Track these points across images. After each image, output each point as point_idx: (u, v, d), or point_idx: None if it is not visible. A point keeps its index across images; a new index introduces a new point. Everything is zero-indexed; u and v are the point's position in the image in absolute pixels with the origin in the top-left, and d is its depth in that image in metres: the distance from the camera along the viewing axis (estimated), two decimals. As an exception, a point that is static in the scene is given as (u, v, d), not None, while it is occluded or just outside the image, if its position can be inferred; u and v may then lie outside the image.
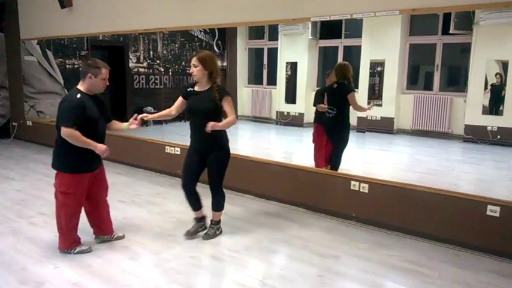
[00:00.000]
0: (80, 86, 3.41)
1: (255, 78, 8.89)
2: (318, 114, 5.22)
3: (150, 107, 7.42)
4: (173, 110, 3.90)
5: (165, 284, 3.14)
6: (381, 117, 6.15)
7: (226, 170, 3.82)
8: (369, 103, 5.68)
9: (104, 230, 3.82)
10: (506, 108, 5.54)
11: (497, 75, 5.58)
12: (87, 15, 7.08)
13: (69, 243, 3.56)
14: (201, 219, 3.99)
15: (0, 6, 8.74)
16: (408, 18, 6.19)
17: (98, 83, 3.41)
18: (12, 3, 8.51)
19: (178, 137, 6.19)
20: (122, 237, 3.89)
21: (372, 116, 5.95)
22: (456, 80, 6.71)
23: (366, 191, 4.35)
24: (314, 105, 5.19)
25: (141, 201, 5.02)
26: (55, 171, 3.47)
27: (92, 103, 3.41)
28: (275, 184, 5.06)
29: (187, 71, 9.24)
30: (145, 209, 4.74)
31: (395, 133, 6.29)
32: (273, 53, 8.13)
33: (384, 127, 6.06)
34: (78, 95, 3.34)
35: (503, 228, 3.62)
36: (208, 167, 3.78)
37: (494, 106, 5.64)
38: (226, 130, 3.74)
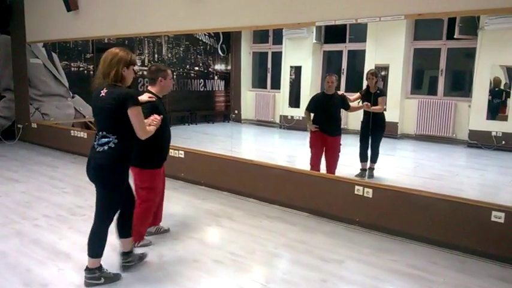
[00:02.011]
0: (152, 89, 3.73)
1: (259, 82, 8.90)
2: (317, 119, 5.24)
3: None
4: None
5: (168, 287, 3.14)
6: (385, 122, 6.15)
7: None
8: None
9: (159, 218, 4.08)
10: (511, 114, 5.53)
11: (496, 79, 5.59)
12: (93, 18, 7.12)
13: (137, 236, 3.65)
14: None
15: (7, 9, 8.80)
16: (413, 22, 6.18)
17: (168, 84, 3.80)
18: (19, 6, 8.57)
19: (181, 140, 6.21)
20: (167, 231, 4.14)
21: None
22: (461, 85, 6.69)
23: (370, 196, 4.34)
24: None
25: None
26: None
27: (161, 103, 3.71)
28: (278, 188, 5.06)
29: (192, 75, 9.28)
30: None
31: (399, 138, 6.27)
32: (277, 57, 8.14)
33: (388, 132, 6.04)
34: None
35: (507, 234, 3.60)
36: None
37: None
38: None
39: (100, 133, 3.03)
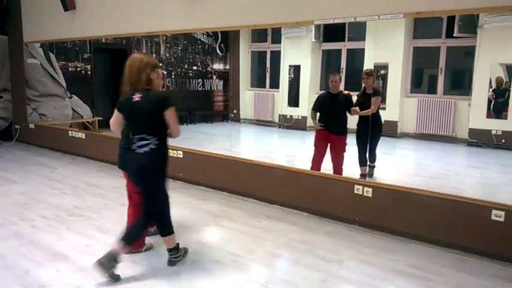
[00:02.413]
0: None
1: (258, 81, 8.88)
2: (322, 119, 5.19)
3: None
4: None
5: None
6: (385, 121, 6.11)
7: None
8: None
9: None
10: (511, 112, 5.52)
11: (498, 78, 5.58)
12: (90, 18, 7.09)
13: (141, 242, 3.62)
14: None
15: (4, 9, 8.76)
16: (412, 21, 6.16)
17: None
18: (16, 6, 8.54)
19: (179, 140, 6.17)
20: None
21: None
22: (460, 84, 6.67)
23: (370, 195, 4.32)
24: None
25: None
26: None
27: None
28: (278, 188, 5.04)
29: (190, 74, 9.26)
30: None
31: (399, 137, 6.26)
32: (276, 56, 8.11)
33: (388, 131, 6.03)
34: None
35: (508, 233, 3.59)
36: None
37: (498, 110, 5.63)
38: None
39: (137, 136, 3.19)
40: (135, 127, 3.21)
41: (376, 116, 5.12)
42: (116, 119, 3.29)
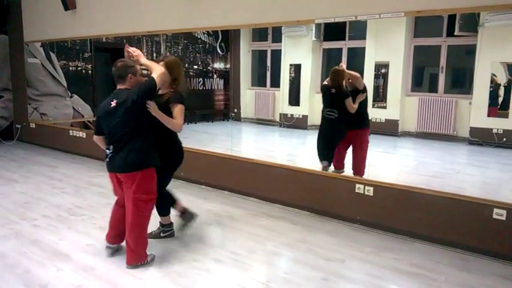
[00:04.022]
0: (121, 87, 3.36)
1: (259, 80, 8.86)
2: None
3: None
4: None
5: (168, 287, 3.12)
6: (386, 120, 6.11)
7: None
8: (373, 105, 5.65)
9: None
10: (512, 111, 5.51)
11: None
12: (91, 17, 7.09)
13: (146, 253, 3.47)
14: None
15: (4, 9, 8.76)
16: (413, 19, 6.15)
17: (139, 80, 3.41)
18: (16, 5, 8.54)
19: (180, 139, 6.16)
20: None
21: (376, 119, 5.92)
22: (461, 82, 6.65)
23: (371, 194, 4.32)
24: None
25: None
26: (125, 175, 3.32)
27: None
28: (279, 187, 5.04)
29: (191, 73, 9.24)
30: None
31: (400, 135, 6.25)
32: (276, 55, 8.10)
33: (389, 129, 6.02)
34: None
35: (509, 231, 3.58)
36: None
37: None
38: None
39: None
40: None
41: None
42: None
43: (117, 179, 3.36)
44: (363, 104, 4.92)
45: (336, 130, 5.00)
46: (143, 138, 3.28)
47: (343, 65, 5.00)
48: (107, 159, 3.33)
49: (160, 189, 3.58)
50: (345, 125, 4.91)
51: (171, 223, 4.00)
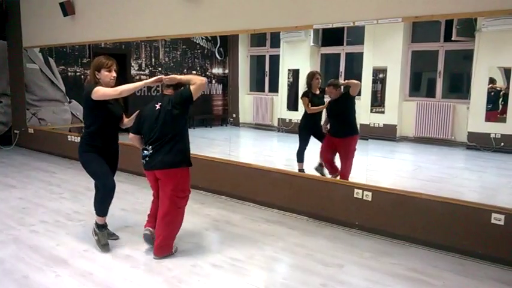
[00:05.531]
0: (167, 92, 3.74)
1: (257, 85, 8.87)
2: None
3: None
4: None
5: (166, 293, 3.11)
6: (384, 125, 6.12)
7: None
8: (371, 110, 5.66)
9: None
10: (510, 115, 5.51)
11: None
12: (90, 23, 7.11)
13: (173, 244, 3.75)
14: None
15: (3, 14, 8.78)
16: (410, 25, 6.16)
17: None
18: (15, 11, 8.56)
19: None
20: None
21: (374, 124, 5.92)
22: (459, 87, 6.67)
23: (369, 199, 4.32)
24: None
25: (143, 208, 4.98)
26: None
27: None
28: (277, 192, 5.04)
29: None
30: (146, 217, 4.71)
31: (398, 140, 6.25)
32: (274, 60, 8.11)
33: (387, 134, 6.03)
34: None
35: (507, 236, 3.59)
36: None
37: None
38: None
39: None
40: None
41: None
42: None
43: (155, 177, 3.66)
44: (349, 112, 5.19)
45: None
46: (180, 140, 3.62)
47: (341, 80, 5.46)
48: (146, 159, 3.61)
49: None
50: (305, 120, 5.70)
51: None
